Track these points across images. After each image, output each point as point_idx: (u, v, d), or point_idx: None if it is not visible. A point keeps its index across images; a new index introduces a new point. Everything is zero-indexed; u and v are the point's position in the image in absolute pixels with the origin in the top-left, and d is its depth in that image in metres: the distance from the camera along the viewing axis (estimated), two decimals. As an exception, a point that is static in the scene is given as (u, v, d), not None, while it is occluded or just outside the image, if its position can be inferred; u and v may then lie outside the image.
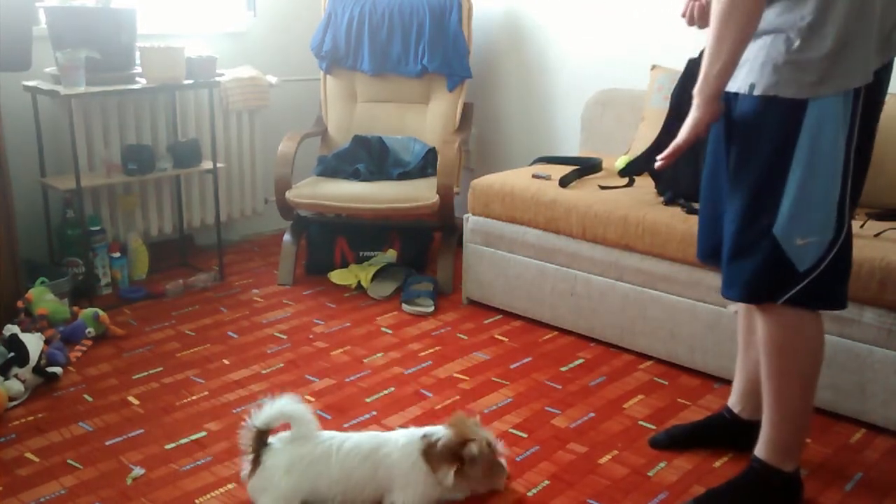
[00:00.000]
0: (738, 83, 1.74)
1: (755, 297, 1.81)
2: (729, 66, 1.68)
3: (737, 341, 2.13)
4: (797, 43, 1.63)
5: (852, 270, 2.19)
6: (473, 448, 1.83)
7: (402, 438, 1.89)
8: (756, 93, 1.70)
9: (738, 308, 2.10)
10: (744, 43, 1.66)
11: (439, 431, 1.89)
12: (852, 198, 1.76)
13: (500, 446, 1.96)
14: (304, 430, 1.84)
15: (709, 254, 2.02)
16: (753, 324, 2.06)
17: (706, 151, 1.98)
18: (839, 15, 1.60)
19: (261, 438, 1.81)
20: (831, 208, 1.71)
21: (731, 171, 1.80)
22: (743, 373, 2.14)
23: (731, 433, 2.16)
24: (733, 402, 2.17)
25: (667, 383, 2.56)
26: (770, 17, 1.67)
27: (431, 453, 1.84)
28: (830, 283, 1.77)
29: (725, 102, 1.81)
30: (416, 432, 1.91)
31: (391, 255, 3.49)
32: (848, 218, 1.76)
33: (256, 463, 1.81)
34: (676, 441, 2.20)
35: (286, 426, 1.89)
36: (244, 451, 1.84)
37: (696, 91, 1.75)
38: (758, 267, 1.75)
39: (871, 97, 1.72)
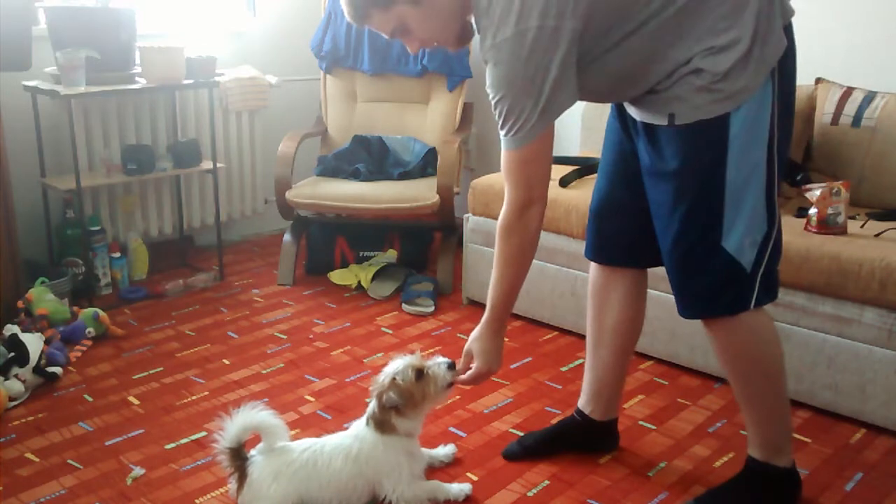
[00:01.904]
0: (651, 116, 1.66)
1: (717, 313, 1.73)
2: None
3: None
4: (712, 70, 1.53)
5: (852, 270, 2.20)
6: (391, 395, 1.83)
7: (362, 432, 1.89)
8: (678, 122, 1.60)
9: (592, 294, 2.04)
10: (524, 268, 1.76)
11: (370, 408, 1.89)
12: (779, 173, 1.66)
13: (424, 360, 1.89)
14: (273, 435, 1.83)
15: (609, 255, 1.99)
16: (605, 322, 2.01)
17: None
18: (750, 21, 1.52)
19: (238, 455, 1.80)
20: (761, 199, 1.64)
21: (664, 199, 1.70)
22: (592, 372, 2.08)
23: (585, 436, 2.12)
24: (583, 402, 2.11)
25: (667, 383, 2.56)
26: (670, 53, 1.56)
27: (384, 425, 1.85)
28: (773, 275, 1.71)
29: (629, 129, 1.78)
30: (361, 422, 1.91)
31: (391, 255, 3.49)
32: (777, 203, 1.67)
33: (242, 478, 1.80)
34: (529, 451, 2.12)
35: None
36: (228, 472, 1.83)
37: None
38: (714, 284, 1.68)
39: (786, 58, 1.61)
